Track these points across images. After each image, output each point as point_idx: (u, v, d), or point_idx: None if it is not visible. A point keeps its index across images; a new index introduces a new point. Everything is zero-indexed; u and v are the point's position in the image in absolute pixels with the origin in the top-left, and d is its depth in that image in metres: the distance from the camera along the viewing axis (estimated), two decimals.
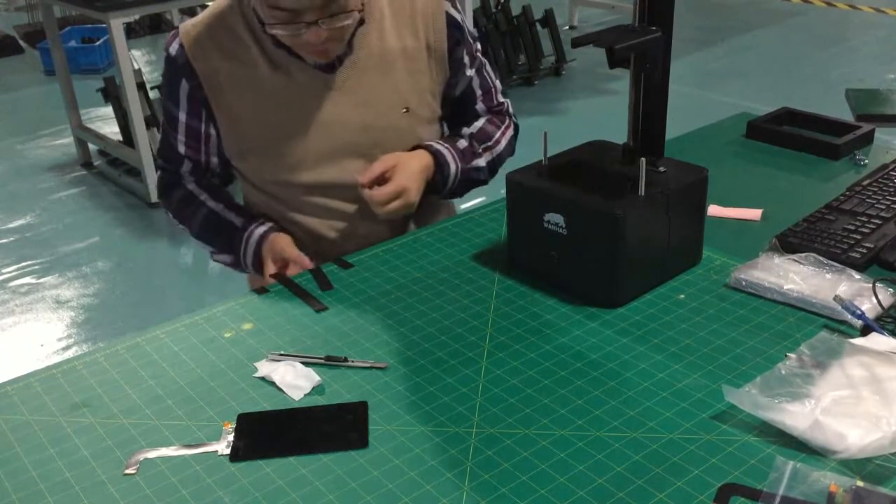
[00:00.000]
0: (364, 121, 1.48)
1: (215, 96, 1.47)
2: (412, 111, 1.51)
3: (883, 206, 1.44)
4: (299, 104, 1.46)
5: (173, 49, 1.47)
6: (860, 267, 1.29)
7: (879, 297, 1.19)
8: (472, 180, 1.59)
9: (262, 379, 1.14)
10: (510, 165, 1.45)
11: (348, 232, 1.54)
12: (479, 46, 1.60)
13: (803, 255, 1.30)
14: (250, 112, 1.46)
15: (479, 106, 1.63)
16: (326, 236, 1.54)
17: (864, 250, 1.32)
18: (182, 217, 1.57)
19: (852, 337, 1.13)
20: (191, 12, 6.97)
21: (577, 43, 1.19)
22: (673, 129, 1.43)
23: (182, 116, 1.51)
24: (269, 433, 1.04)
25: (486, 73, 1.62)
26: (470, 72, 1.58)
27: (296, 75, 1.45)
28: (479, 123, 1.62)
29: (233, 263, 1.55)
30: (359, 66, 1.46)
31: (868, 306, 1.17)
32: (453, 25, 1.52)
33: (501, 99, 1.66)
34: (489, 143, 1.60)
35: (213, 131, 1.51)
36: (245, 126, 1.48)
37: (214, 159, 1.55)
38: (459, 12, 1.54)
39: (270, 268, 1.45)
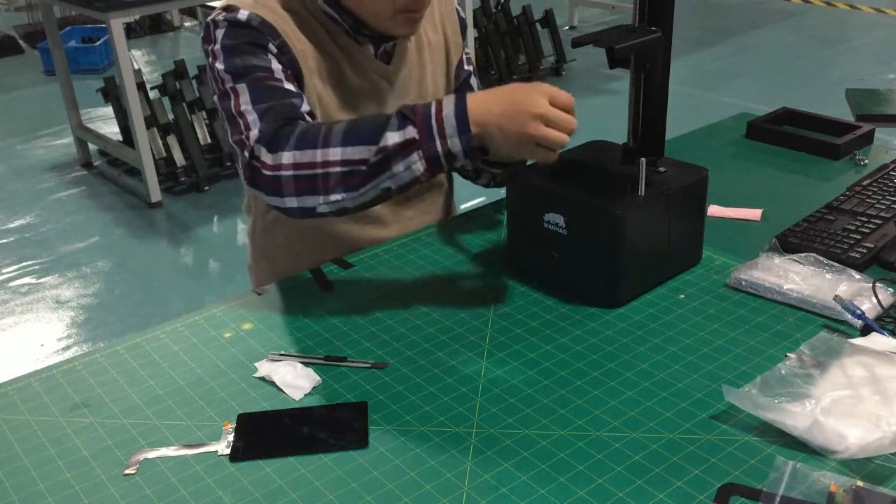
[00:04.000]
0: None
1: (304, 73, 1.32)
2: None
3: (883, 206, 1.44)
4: (369, 96, 1.40)
5: (243, 14, 1.28)
6: (860, 267, 1.29)
7: (879, 297, 1.19)
8: None
9: (262, 379, 1.14)
10: None
11: (379, 230, 1.48)
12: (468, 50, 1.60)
13: (803, 255, 1.30)
14: (330, 99, 1.36)
15: None
16: (357, 235, 1.48)
17: (864, 250, 1.32)
18: (307, 141, 1.17)
19: (852, 337, 1.13)
20: (191, 12, 7.01)
21: (577, 43, 1.19)
22: (673, 129, 1.43)
23: (275, 65, 1.28)
24: (269, 433, 1.04)
25: (478, 77, 1.61)
26: (468, 67, 1.58)
27: (366, 64, 1.38)
28: None
29: (408, 143, 1.14)
30: (404, 57, 1.44)
31: (868, 306, 1.17)
32: (460, 22, 1.53)
33: None
34: None
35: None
36: (323, 115, 1.35)
37: None
38: (463, 10, 1.55)
39: (546, 92, 1.12)
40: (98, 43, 5.93)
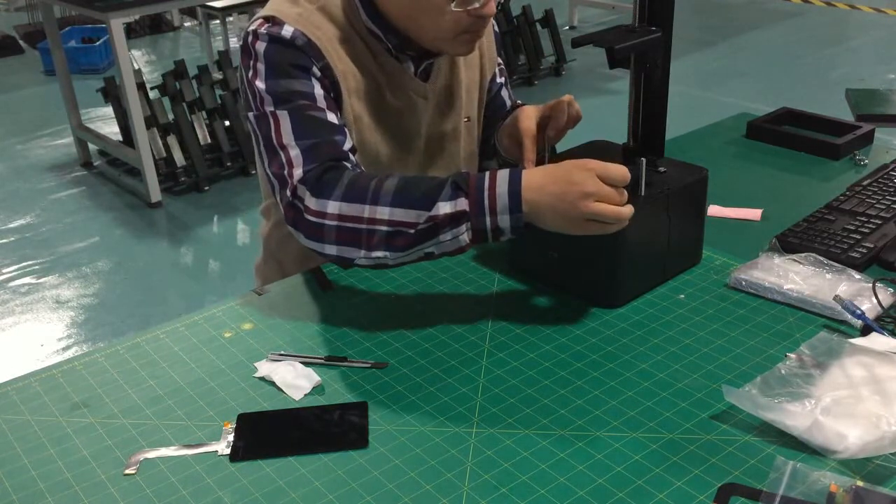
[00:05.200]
0: (445, 130, 1.45)
1: (343, 94, 1.30)
2: (471, 122, 1.50)
3: (883, 206, 1.44)
4: (405, 114, 1.39)
5: (287, 31, 1.25)
6: (860, 267, 1.29)
7: (879, 297, 1.19)
8: None
9: (262, 379, 1.14)
10: None
11: None
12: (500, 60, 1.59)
13: (803, 255, 1.30)
14: (367, 119, 1.35)
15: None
16: None
17: (864, 250, 1.32)
18: (355, 194, 1.16)
19: (852, 337, 1.13)
20: (191, 12, 7.01)
21: (577, 43, 1.19)
22: (673, 129, 1.43)
23: (318, 90, 1.26)
24: (269, 433, 1.04)
25: (509, 86, 1.61)
26: (500, 79, 1.58)
27: (405, 83, 1.37)
28: None
29: (458, 215, 1.13)
30: (440, 73, 1.43)
31: (868, 306, 1.17)
32: (495, 35, 1.53)
33: None
34: None
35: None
36: (358, 134, 1.35)
37: None
38: (497, 24, 1.55)
39: (594, 169, 1.11)
40: (98, 43, 5.93)
